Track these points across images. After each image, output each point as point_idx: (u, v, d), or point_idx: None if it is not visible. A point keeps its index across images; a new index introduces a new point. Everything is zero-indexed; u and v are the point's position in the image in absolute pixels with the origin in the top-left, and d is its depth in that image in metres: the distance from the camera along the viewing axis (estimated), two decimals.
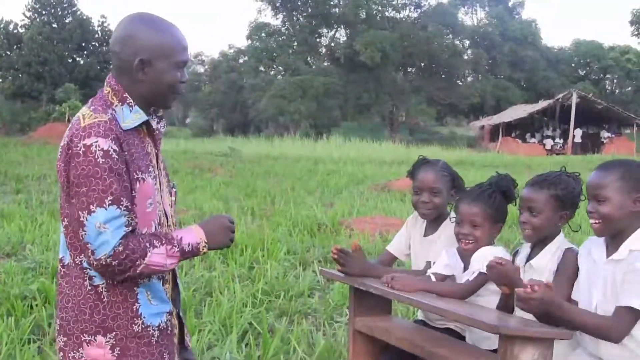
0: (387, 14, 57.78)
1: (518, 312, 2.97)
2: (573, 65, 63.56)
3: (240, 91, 59.34)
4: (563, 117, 43.98)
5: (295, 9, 58.61)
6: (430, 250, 3.31)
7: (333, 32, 60.31)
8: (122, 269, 2.13)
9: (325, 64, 59.18)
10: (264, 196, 13.77)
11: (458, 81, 60.13)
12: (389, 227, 9.30)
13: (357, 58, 52.31)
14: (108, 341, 2.22)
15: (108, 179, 2.12)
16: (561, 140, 44.55)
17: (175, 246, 2.23)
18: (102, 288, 2.23)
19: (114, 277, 2.17)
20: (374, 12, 56.73)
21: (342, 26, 58.95)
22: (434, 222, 3.34)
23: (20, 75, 51.23)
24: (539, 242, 2.88)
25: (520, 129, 46.67)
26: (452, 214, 3.18)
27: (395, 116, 57.50)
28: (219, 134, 55.33)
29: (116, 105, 2.26)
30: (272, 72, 60.06)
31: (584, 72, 63.68)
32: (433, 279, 3.10)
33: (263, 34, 58.62)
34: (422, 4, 59.34)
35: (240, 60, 64.28)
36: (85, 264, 2.22)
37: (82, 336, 2.23)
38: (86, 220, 2.11)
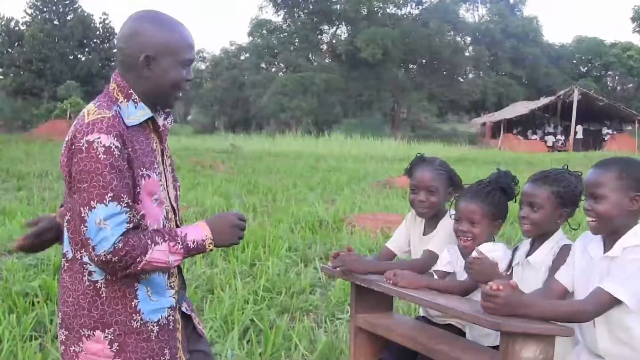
0: (388, 10, 57.76)
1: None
2: (575, 62, 63.49)
3: (242, 88, 59.36)
4: (564, 114, 43.99)
5: (297, 5, 58.60)
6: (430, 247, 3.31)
7: (334, 29, 60.30)
8: (122, 265, 2.13)
9: (327, 60, 59.19)
10: (266, 193, 13.78)
11: (459, 78, 60.11)
12: (391, 223, 9.29)
13: (358, 55, 52.28)
14: (106, 336, 2.23)
15: (109, 176, 2.12)
16: (563, 137, 44.49)
17: (179, 243, 2.23)
18: (100, 284, 2.23)
19: (116, 273, 2.17)
20: (375, 9, 56.70)
21: (343, 23, 58.91)
22: (432, 219, 3.34)
23: (22, 73, 51.30)
24: (538, 238, 2.89)
25: (522, 125, 46.64)
26: (452, 211, 3.18)
27: (397, 113, 57.47)
28: (220, 130, 55.29)
29: (121, 102, 2.26)
30: (274, 69, 60.08)
31: (586, 68, 63.62)
32: (435, 276, 3.11)
33: (264, 31, 58.61)
34: (424, 1, 59.36)
35: (242, 57, 64.28)
36: (85, 259, 2.23)
37: (81, 330, 2.23)
38: (87, 216, 2.12)
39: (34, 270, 6.34)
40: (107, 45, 55.20)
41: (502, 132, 44.68)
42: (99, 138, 2.12)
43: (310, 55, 59.48)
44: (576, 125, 42.84)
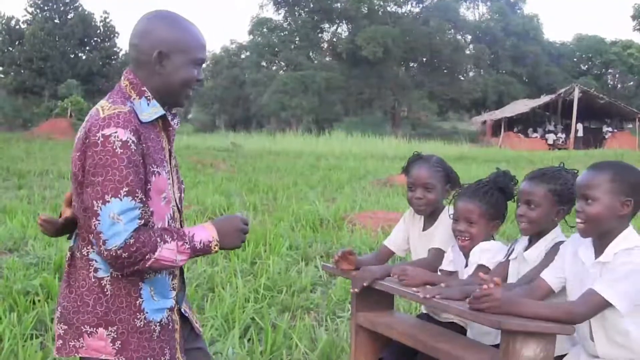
0: (388, 9, 57.68)
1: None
2: (575, 60, 63.44)
3: (242, 86, 59.30)
4: (565, 112, 43.96)
5: (297, 4, 58.54)
6: (431, 241, 3.31)
7: (335, 27, 60.24)
8: (131, 261, 2.13)
9: (327, 59, 59.14)
10: (266, 191, 13.78)
11: (460, 76, 60.04)
12: (391, 222, 9.28)
13: (359, 53, 52.24)
14: (109, 334, 2.23)
15: (125, 170, 2.12)
16: (563, 135, 44.48)
17: (187, 242, 2.22)
18: (106, 281, 2.23)
19: (123, 269, 2.16)
20: (376, 7, 56.66)
21: (344, 21, 58.86)
22: (431, 216, 3.34)
23: (22, 71, 51.27)
24: (536, 235, 2.90)
25: (522, 123, 46.61)
26: (452, 210, 3.19)
27: (397, 111, 57.42)
28: (220, 129, 55.26)
29: (134, 99, 2.27)
30: (274, 68, 60.04)
31: (586, 66, 63.56)
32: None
33: (265, 29, 58.58)
34: None
35: (242, 56, 64.22)
36: (91, 256, 2.23)
37: (82, 327, 2.23)
38: (100, 209, 2.11)
39: (35, 268, 6.34)
40: (108, 43, 55.19)
41: (502, 130, 44.66)
42: (115, 132, 2.12)
43: (310, 54, 59.45)
44: (577, 123, 42.84)
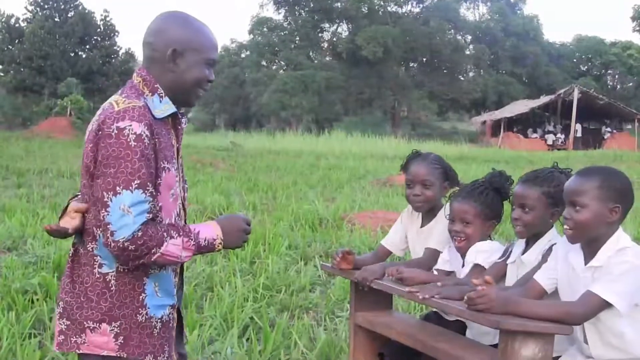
0: (389, 8, 57.69)
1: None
2: (575, 60, 63.44)
3: (242, 86, 59.25)
4: (565, 112, 43.98)
5: (297, 3, 58.54)
6: (429, 238, 3.31)
7: (335, 27, 60.22)
8: (137, 254, 2.13)
9: (327, 58, 59.13)
10: (266, 191, 13.78)
11: (460, 76, 60.04)
12: (391, 222, 9.25)
13: (359, 53, 52.23)
14: (112, 329, 2.23)
15: (137, 163, 2.13)
16: (562, 136, 44.51)
17: (192, 239, 2.23)
18: (111, 276, 2.24)
19: (129, 262, 2.17)
20: (376, 7, 56.67)
21: (344, 21, 58.85)
22: (429, 213, 3.35)
23: (22, 70, 51.17)
24: (532, 238, 2.89)
25: (522, 124, 46.64)
26: (448, 210, 3.19)
27: (397, 111, 57.42)
28: (220, 128, 55.23)
29: (147, 95, 2.29)
30: (274, 67, 60.00)
31: (586, 67, 63.57)
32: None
33: (265, 29, 58.58)
34: None
35: (242, 55, 64.16)
36: (96, 251, 2.24)
37: (85, 322, 2.23)
38: (110, 201, 2.12)
39: (34, 267, 6.34)
40: (108, 42, 55.06)
41: (502, 130, 44.67)
42: (130, 125, 2.15)
43: (311, 53, 59.43)
44: (576, 123, 42.87)
